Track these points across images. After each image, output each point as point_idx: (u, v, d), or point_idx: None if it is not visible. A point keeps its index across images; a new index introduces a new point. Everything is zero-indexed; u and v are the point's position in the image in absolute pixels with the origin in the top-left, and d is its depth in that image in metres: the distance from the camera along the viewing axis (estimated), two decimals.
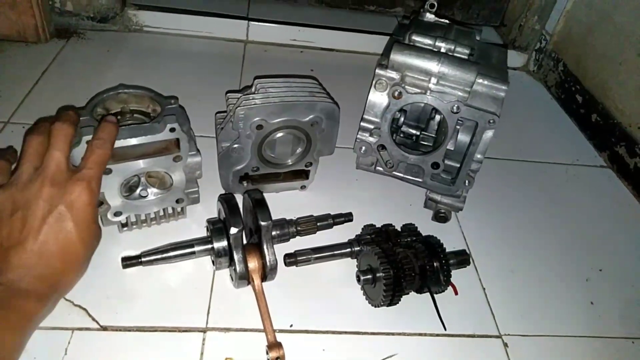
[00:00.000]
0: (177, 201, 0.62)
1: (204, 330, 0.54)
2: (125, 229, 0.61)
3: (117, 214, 0.59)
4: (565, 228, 0.77)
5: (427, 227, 0.69)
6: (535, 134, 0.98)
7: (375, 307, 0.58)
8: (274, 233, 0.59)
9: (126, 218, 0.60)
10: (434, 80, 0.63)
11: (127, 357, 0.51)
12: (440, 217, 0.71)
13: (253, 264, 0.55)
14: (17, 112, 0.77)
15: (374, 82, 0.64)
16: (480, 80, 0.62)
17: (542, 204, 0.80)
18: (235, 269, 0.54)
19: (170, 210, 0.63)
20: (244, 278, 0.55)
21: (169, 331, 0.54)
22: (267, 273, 0.55)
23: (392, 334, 0.57)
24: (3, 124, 0.75)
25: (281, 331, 0.55)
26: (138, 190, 0.60)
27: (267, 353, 0.51)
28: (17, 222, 0.44)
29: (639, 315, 0.65)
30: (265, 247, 0.55)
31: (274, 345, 0.51)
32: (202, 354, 0.52)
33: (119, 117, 0.60)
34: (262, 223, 0.54)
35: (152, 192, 0.60)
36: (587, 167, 0.92)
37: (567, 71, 1.08)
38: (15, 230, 0.44)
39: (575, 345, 0.60)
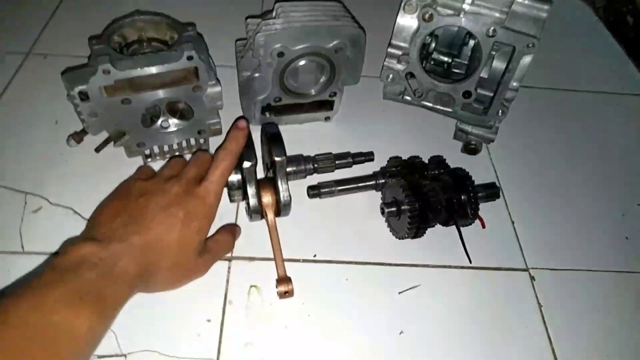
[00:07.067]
0: (199, 132, 0.61)
1: (229, 259, 0.55)
2: (149, 160, 0.61)
3: (140, 144, 0.59)
4: (604, 160, 0.73)
5: (456, 159, 0.66)
6: (578, 60, 0.91)
7: (400, 239, 0.57)
8: (290, 169, 0.57)
9: (149, 149, 0.60)
10: (468, 0, 0.58)
11: None
12: (471, 148, 0.68)
13: (267, 198, 0.54)
14: (37, 43, 0.76)
15: (402, 3, 0.60)
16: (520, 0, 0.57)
17: (581, 135, 0.76)
18: (248, 203, 0.54)
19: (192, 142, 0.62)
20: (257, 212, 0.54)
21: None
22: (280, 208, 0.55)
23: (416, 265, 0.57)
24: (25, 54, 0.74)
25: (305, 261, 0.56)
26: (159, 121, 0.59)
27: (276, 287, 0.51)
28: (140, 204, 0.47)
29: None
30: (279, 182, 0.54)
31: (283, 279, 0.51)
32: (227, 281, 0.53)
33: (136, 45, 0.58)
34: (277, 159, 0.53)
35: (173, 123, 0.59)
36: (633, 97, 0.85)
37: None
38: (135, 210, 0.47)
39: (606, 280, 0.59)
